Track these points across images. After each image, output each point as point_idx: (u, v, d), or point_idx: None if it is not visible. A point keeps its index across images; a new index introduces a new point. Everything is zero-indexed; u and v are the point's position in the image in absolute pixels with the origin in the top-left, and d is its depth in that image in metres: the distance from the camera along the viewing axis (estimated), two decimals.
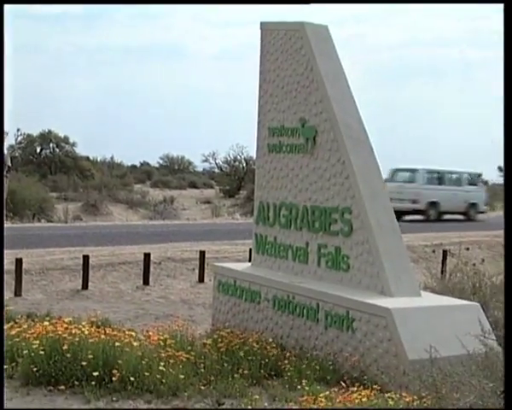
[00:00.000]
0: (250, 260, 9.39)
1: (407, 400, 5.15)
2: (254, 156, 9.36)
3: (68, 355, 5.90)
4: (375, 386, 5.83)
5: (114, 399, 5.62)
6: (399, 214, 27.17)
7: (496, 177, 47.50)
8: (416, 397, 5.13)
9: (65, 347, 5.96)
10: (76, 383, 5.78)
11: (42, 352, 5.94)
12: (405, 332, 6.34)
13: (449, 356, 5.76)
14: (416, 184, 27.13)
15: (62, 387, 5.75)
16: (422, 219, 26.81)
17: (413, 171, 27.71)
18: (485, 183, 41.06)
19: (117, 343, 6.12)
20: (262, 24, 8.62)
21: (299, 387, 6.03)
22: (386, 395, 5.39)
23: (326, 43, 7.94)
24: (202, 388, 5.97)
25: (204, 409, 5.61)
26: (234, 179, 46.99)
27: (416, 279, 7.81)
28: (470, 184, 29.00)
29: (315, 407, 5.24)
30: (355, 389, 5.74)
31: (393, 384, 5.79)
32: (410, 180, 27.49)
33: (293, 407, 5.30)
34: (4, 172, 10.73)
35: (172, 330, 7.22)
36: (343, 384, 6.05)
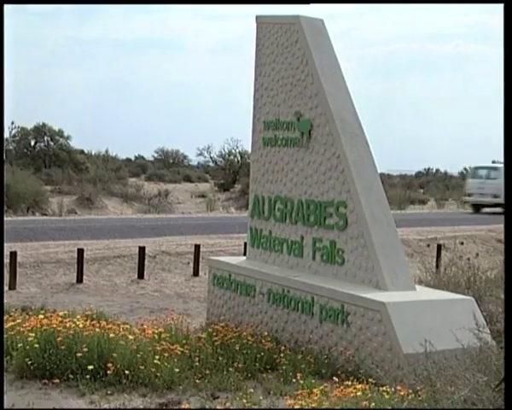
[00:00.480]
0: (245, 254, 9.38)
1: (402, 393, 5.15)
2: (249, 150, 9.34)
3: (63, 348, 5.90)
4: (369, 380, 5.83)
5: (109, 392, 5.62)
6: (479, 207, 30.01)
7: None
8: (410, 391, 5.14)
9: (59, 340, 5.96)
10: (71, 376, 5.79)
11: (36, 345, 5.94)
12: (400, 326, 6.35)
13: (443, 350, 5.78)
14: (499, 181, 29.33)
15: (57, 380, 5.75)
16: (501, 212, 28.37)
17: (495, 168, 30.73)
18: None
19: (111, 335, 6.13)
20: (257, 17, 8.60)
21: (293, 380, 6.04)
22: (381, 388, 5.39)
23: (322, 36, 7.93)
24: (197, 381, 5.98)
25: (200, 408, 5.60)
26: (229, 173, 46.98)
27: (411, 273, 7.82)
28: None
29: (308, 407, 5.21)
30: (350, 382, 5.75)
31: (388, 378, 5.79)
32: (491, 177, 30.50)
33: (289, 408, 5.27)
34: None
35: (167, 323, 7.22)
36: (338, 378, 6.06)
